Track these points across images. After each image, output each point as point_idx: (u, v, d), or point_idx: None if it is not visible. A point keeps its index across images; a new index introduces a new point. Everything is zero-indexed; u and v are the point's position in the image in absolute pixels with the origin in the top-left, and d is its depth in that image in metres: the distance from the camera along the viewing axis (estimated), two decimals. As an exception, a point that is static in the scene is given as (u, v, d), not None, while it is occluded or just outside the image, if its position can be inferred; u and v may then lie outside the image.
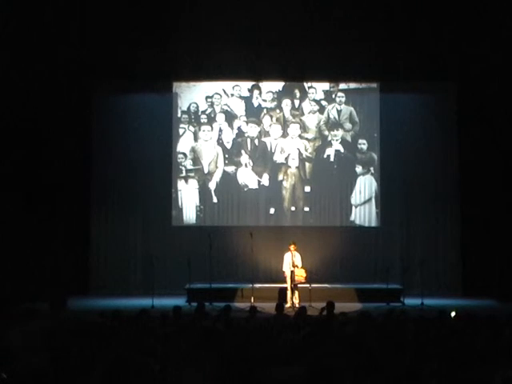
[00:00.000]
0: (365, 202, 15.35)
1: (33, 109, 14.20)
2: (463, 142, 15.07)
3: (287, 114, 15.32)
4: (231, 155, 15.38)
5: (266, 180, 15.32)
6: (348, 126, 15.45)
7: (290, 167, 15.24)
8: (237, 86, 15.50)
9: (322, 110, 15.41)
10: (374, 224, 15.38)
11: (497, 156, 14.65)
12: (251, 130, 15.39)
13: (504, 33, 13.74)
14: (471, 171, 14.89)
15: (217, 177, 15.38)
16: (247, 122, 15.41)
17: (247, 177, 15.38)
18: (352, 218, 15.35)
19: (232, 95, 15.48)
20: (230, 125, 15.40)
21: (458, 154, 15.17)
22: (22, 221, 14.14)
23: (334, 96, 15.43)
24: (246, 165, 15.36)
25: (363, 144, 15.35)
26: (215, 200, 15.34)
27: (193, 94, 15.39)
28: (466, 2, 13.74)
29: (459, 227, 15.16)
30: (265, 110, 15.41)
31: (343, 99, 15.45)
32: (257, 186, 15.36)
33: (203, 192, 15.32)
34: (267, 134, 15.33)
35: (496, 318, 7.86)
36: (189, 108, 15.39)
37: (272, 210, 15.33)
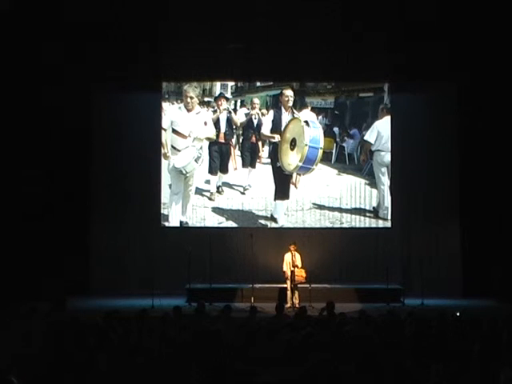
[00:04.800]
0: (365, 203, 15.35)
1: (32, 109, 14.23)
2: (464, 142, 15.05)
3: (287, 115, 15.28)
4: (231, 156, 15.36)
5: (265, 181, 15.30)
6: (348, 126, 15.46)
7: (290, 166, 15.18)
8: (236, 86, 15.51)
9: (321, 110, 15.40)
10: (373, 224, 15.38)
11: (497, 156, 14.64)
12: (250, 131, 15.37)
13: (504, 32, 13.76)
14: (471, 171, 14.88)
15: (217, 177, 15.38)
16: (246, 123, 15.39)
17: (247, 178, 15.38)
18: (352, 218, 15.34)
19: (232, 95, 15.49)
20: (230, 126, 15.38)
21: (458, 153, 15.15)
22: (21, 221, 14.14)
23: (333, 96, 15.43)
24: (245, 166, 15.35)
25: (364, 145, 15.35)
26: (215, 201, 15.33)
27: (193, 94, 15.37)
28: (467, 2, 13.74)
29: (459, 227, 15.14)
30: (265, 111, 15.38)
31: (343, 99, 15.46)
32: (256, 187, 15.34)
33: (204, 193, 15.31)
34: (267, 134, 15.29)
35: (496, 318, 7.86)
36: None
37: (272, 211, 15.31)
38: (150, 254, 15.01)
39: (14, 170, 14.15)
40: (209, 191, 15.34)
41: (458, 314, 8.95)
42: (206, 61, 14.75)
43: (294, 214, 15.36)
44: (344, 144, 15.44)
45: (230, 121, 15.38)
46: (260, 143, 15.37)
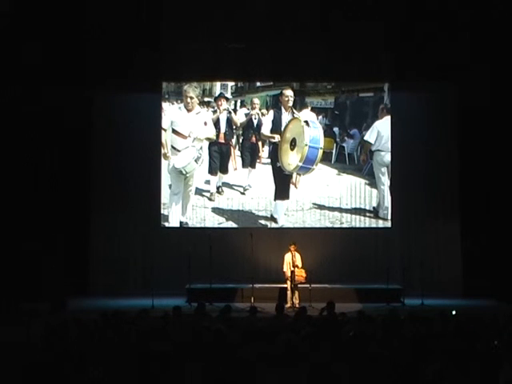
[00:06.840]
0: (365, 203, 15.34)
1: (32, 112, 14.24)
2: (464, 142, 15.05)
3: (287, 115, 15.27)
4: (231, 156, 15.36)
5: (265, 181, 15.29)
6: (348, 126, 15.46)
7: (290, 166, 15.17)
8: (236, 86, 15.51)
9: (321, 110, 15.39)
10: (373, 224, 15.38)
11: (497, 156, 14.64)
12: (250, 131, 15.37)
13: (504, 32, 13.78)
14: (471, 171, 14.88)
15: (217, 178, 15.37)
16: (246, 123, 15.38)
17: (247, 178, 15.37)
18: (352, 218, 15.33)
19: (232, 95, 15.48)
20: (230, 126, 15.37)
21: (458, 153, 15.16)
22: (21, 221, 14.14)
23: (333, 96, 15.43)
24: (245, 166, 15.34)
25: (364, 145, 15.34)
26: (215, 201, 15.33)
27: (193, 94, 15.36)
28: (467, 2, 13.75)
29: (459, 227, 15.15)
30: (265, 111, 15.38)
31: (343, 99, 15.46)
32: (256, 187, 15.34)
33: (204, 193, 15.31)
34: (267, 134, 15.28)
35: (496, 318, 7.86)
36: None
37: (272, 211, 15.31)
38: (150, 254, 15.01)
39: (13, 170, 14.14)
40: (209, 191, 15.34)
41: (453, 312, 8.98)
42: (206, 61, 14.77)
43: (293, 213, 15.35)
44: (344, 144, 15.44)
45: (230, 121, 15.37)
46: (260, 143, 15.36)
